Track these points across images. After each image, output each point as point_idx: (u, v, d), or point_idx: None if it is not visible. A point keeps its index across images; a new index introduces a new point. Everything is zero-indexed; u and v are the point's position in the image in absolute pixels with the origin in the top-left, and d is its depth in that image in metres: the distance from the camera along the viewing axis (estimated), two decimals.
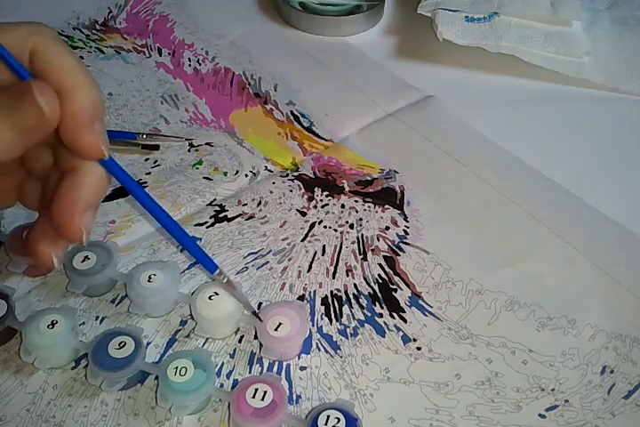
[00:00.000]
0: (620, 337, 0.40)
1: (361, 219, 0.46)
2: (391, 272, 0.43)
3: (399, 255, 0.44)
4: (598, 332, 0.40)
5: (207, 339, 0.40)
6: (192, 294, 0.39)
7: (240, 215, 0.46)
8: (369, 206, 0.47)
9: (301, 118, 0.53)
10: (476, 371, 0.38)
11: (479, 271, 0.43)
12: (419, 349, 0.39)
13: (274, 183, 0.48)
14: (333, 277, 0.43)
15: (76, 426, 0.36)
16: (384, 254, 0.44)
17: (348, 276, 0.43)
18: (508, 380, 0.38)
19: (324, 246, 0.45)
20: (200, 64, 0.58)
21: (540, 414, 0.37)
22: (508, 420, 0.37)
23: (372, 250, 0.44)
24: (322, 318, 0.41)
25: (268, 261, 0.44)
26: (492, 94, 0.56)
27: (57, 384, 0.38)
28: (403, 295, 0.42)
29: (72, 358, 0.39)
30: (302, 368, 0.39)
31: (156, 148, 0.50)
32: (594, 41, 0.58)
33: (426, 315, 0.41)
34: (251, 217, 0.46)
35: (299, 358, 0.39)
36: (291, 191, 0.48)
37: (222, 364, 0.39)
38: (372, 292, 0.42)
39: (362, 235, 0.45)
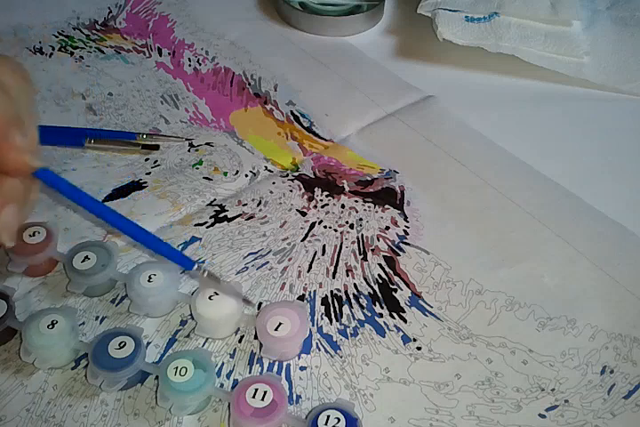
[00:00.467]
0: (620, 337, 0.40)
1: (361, 219, 0.46)
2: (391, 272, 0.43)
3: (399, 255, 0.44)
4: (598, 332, 0.40)
5: (207, 339, 0.40)
6: (192, 294, 0.39)
7: (240, 215, 0.46)
8: (369, 206, 0.47)
9: (301, 118, 0.53)
10: (476, 371, 0.39)
11: (479, 271, 0.43)
12: (419, 349, 0.39)
13: (274, 183, 0.48)
14: (333, 277, 0.43)
15: (76, 426, 0.36)
16: (384, 254, 0.44)
17: (348, 276, 0.43)
18: (508, 380, 0.38)
19: (324, 246, 0.45)
20: (200, 64, 0.58)
21: (540, 414, 0.37)
22: (508, 420, 0.37)
23: (372, 250, 0.44)
24: (322, 318, 0.41)
25: (267, 261, 0.44)
26: (492, 94, 0.56)
27: (57, 384, 0.38)
28: (403, 295, 0.42)
29: (72, 358, 0.39)
30: (302, 368, 0.39)
31: (156, 148, 0.50)
32: (594, 41, 0.58)
33: (426, 315, 0.41)
34: (251, 217, 0.46)
35: (299, 358, 0.39)
36: (291, 191, 0.48)
37: (222, 364, 0.39)
38: (372, 292, 0.42)
39: (362, 235, 0.45)
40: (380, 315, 0.41)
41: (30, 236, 0.41)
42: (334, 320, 0.41)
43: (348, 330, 0.40)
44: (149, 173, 0.49)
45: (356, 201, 0.47)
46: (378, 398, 0.37)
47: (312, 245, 0.45)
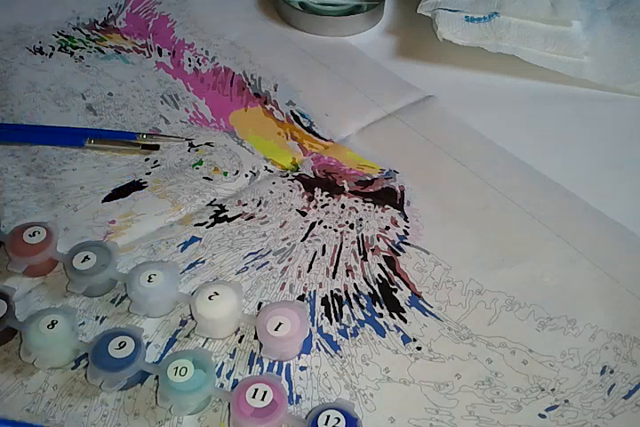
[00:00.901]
0: (620, 337, 0.40)
1: (361, 219, 0.46)
2: (391, 272, 0.43)
3: (399, 255, 0.44)
4: (598, 332, 0.40)
5: (207, 339, 0.40)
6: (192, 294, 0.39)
7: (240, 215, 0.46)
8: (369, 206, 0.47)
9: (301, 118, 0.53)
10: (476, 371, 0.39)
11: (479, 271, 0.43)
12: (419, 349, 0.39)
13: (274, 183, 0.48)
14: (333, 277, 0.43)
15: (76, 426, 0.36)
16: (384, 254, 0.44)
17: (348, 276, 0.43)
18: (508, 380, 0.38)
19: (324, 246, 0.45)
20: (200, 64, 0.58)
21: (540, 414, 0.37)
22: (508, 420, 0.37)
23: (372, 250, 0.44)
24: (322, 318, 0.41)
25: (267, 261, 0.44)
26: (492, 94, 0.56)
27: (57, 384, 0.38)
28: (403, 295, 0.42)
29: (72, 358, 0.39)
30: (302, 368, 0.39)
31: (156, 148, 0.50)
32: (594, 41, 0.58)
33: (426, 315, 0.41)
34: (251, 217, 0.46)
35: (299, 358, 0.39)
36: (291, 191, 0.48)
37: (222, 364, 0.39)
38: (372, 292, 0.42)
39: (362, 235, 0.45)
40: (380, 315, 0.41)
41: (30, 236, 0.41)
42: (334, 320, 0.41)
43: (347, 330, 0.40)
44: (149, 173, 0.49)
45: (356, 201, 0.47)
46: (378, 398, 0.37)
47: (312, 245, 0.45)
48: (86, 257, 0.41)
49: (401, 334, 0.40)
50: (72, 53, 0.58)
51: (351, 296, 0.42)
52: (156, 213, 0.46)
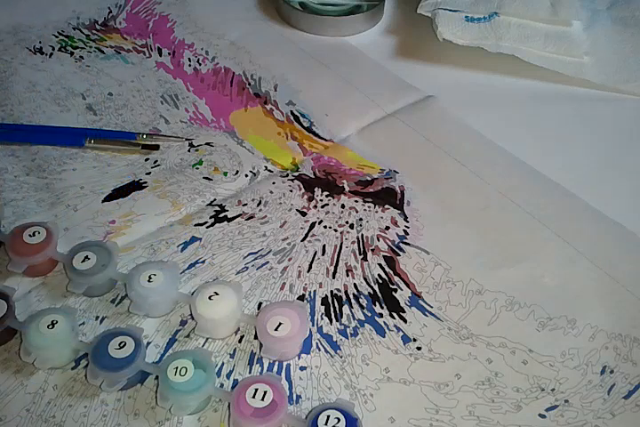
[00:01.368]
0: (620, 337, 0.40)
1: (361, 219, 0.46)
2: (391, 272, 0.43)
3: (399, 255, 0.44)
4: (598, 332, 0.40)
5: (207, 339, 0.40)
6: (192, 294, 0.39)
7: (240, 215, 0.46)
8: (369, 206, 0.47)
9: (301, 118, 0.53)
10: (476, 371, 0.39)
11: (479, 271, 0.43)
12: (419, 349, 0.39)
13: (274, 183, 0.48)
14: (333, 277, 0.43)
15: (76, 426, 0.36)
16: (384, 254, 0.44)
17: (347, 276, 0.43)
18: (508, 380, 0.38)
19: (324, 246, 0.45)
20: (200, 64, 0.58)
21: (540, 414, 0.37)
22: (508, 420, 0.37)
23: (372, 250, 0.44)
24: (322, 318, 0.41)
25: (267, 261, 0.44)
26: (492, 94, 0.56)
27: (57, 384, 0.38)
28: (403, 295, 0.42)
29: (72, 358, 0.39)
30: (302, 368, 0.39)
31: (156, 148, 0.50)
32: (594, 41, 0.58)
33: (426, 315, 0.41)
34: (251, 217, 0.46)
35: (299, 358, 0.39)
36: (291, 191, 0.48)
37: (222, 364, 0.39)
38: (371, 292, 0.42)
39: (362, 235, 0.45)
40: (380, 315, 0.41)
41: (30, 236, 0.41)
42: (334, 320, 0.41)
43: (347, 330, 0.40)
44: (149, 173, 0.49)
45: (356, 201, 0.47)
46: (378, 398, 0.37)
47: (312, 245, 0.45)
48: (86, 257, 0.41)
49: (401, 334, 0.40)
50: (72, 53, 0.58)
51: (351, 296, 0.42)
52: (156, 213, 0.46)
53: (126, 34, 0.61)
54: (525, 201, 0.47)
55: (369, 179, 0.49)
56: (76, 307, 0.41)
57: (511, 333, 0.40)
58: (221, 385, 0.38)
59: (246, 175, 0.49)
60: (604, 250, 0.44)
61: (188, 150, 0.51)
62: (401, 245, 0.45)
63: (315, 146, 0.51)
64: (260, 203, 0.47)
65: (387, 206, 0.47)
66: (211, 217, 0.46)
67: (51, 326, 0.37)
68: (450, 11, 0.58)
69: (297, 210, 0.47)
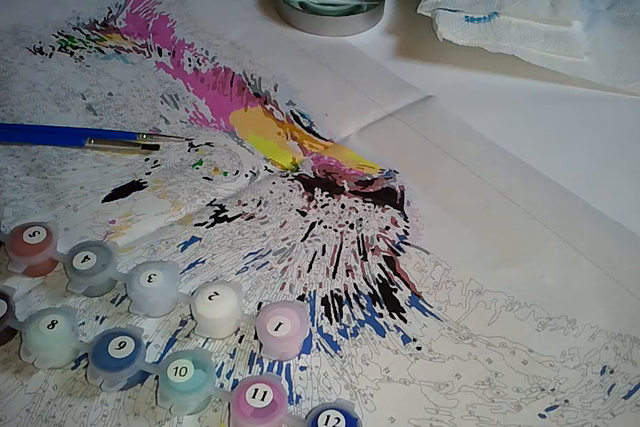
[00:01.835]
0: (620, 337, 0.40)
1: (361, 219, 0.46)
2: (391, 272, 0.43)
3: (399, 255, 0.44)
4: (598, 332, 0.40)
5: (207, 339, 0.40)
6: (192, 294, 0.39)
7: (240, 215, 0.46)
8: (369, 206, 0.47)
9: (301, 118, 0.53)
10: (476, 371, 0.38)
11: (479, 271, 0.43)
12: (419, 349, 0.39)
13: (274, 183, 0.48)
14: (333, 277, 0.43)
15: (76, 426, 0.36)
16: (384, 254, 0.44)
17: (347, 276, 0.43)
18: (508, 380, 0.38)
19: (324, 246, 0.45)
20: (200, 64, 0.58)
21: (540, 414, 0.37)
22: (508, 420, 0.37)
23: (372, 250, 0.44)
24: (322, 318, 0.41)
25: (267, 261, 0.44)
26: (492, 94, 0.56)
27: (57, 384, 0.38)
28: (403, 295, 0.42)
29: (72, 358, 0.39)
30: (302, 368, 0.39)
31: (156, 148, 0.50)
32: (594, 41, 0.58)
33: (426, 315, 0.41)
34: (251, 217, 0.46)
35: (299, 358, 0.39)
36: (291, 191, 0.48)
37: (222, 364, 0.39)
38: (372, 292, 0.42)
39: (362, 235, 0.45)
40: (380, 315, 0.41)
41: (30, 236, 0.41)
42: (334, 320, 0.41)
43: (347, 330, 0.40)
44: (149, 173, 0.49)
45: (356, 201, 0.47)
46: (378, 398, 0.37)
47: (312, 245, 0.45)
48: (86, 257, 0.41)
49: (401, 334, 0.40)
50: (72, 53, 0.58)
51: (351, 296, 0.42)
52: (155, 213, 0.46)
53: (126, 34, 0.61)
54: (525, 201, 0.47)
55: (369, 179, 0.49)
56: (76, 307, 0.41)
57: (511, 333, 0.40)
58: (221, 385, 0.38)
59: (246, 175, 0.49)
60: (604, 250, 0.44)
61: (188, 150, 0.51)
62: (401, 245, 0.45)
63: (315, 146, 0.51)
64: (259, 203, 0.47)
65: (387, 206, 0.47)
66: (211, 217, 0.46)
67: (51, 326, 0.37)
68: (450, 11, 0.58)
69: (297, 210, 0.47)
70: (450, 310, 0.41)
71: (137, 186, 0.48)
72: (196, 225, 0.46)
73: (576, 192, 0.47)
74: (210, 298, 0.38)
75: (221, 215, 0.46)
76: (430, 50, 0.59)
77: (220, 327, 0.39)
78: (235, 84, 0.56)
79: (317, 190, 0.48)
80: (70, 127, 0.52)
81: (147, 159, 0.50)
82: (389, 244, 0.45)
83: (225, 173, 0.49)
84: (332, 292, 0.42)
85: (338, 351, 0.39)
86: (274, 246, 0.45)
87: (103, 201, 0.47)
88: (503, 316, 0.41)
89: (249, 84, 0.56)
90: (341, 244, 0.45)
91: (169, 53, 0.59)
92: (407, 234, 0.45)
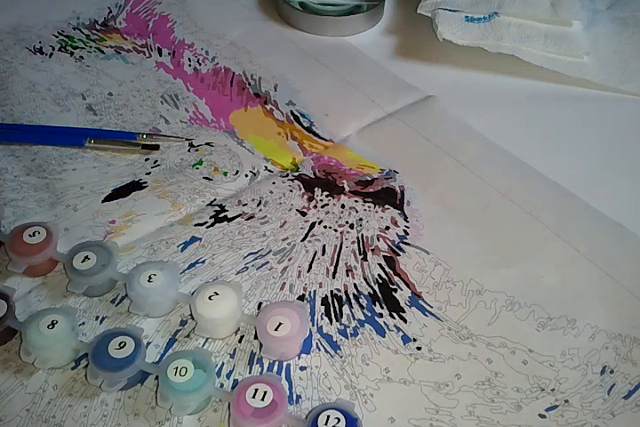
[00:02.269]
0: (620, 337, 0.40)
1: (361, 219, 0.46)
2: (391, 272, 0.43)
3: (399, 255, 0.44)
4: (598, 332, 0.40)
5: (207, 339, 0.40)
6: (192, 294, 0.39)
7: (240, 215, 0.46)
8: (369, 206, 0.47)
9: (301, 118, 0.53)
10: (476, 371, 0.38)
11: (479, 271, 0.43)
12: (419, 349, 0.39)
13: (274, 183, 0.48)
14: (333, 277, 0.43)
15: (76, 426, 0.36)
16: (384, 254, 0.44)
17: (347, 276, 0.43)
18: (508, 380, 0.38)
19: (324, 246, 0.45)
20: (200, 64, 0.58)
21: (540, 414, 0.37)
22: (508, 420, 0.37)
23: (372, 250, 0.44)
24: (322, 318, 0.41)
25: (267, 262, 0.44)
26: (492, 94, 0.56)
27: (57, 384, 0.38)
28: (403, 295, 0.42)
29: (72, 358, 0.39)
30: (302, 368, 0.39)
31: (156, 148, 0.50)
32: (594, 41, 0.58)
33: (426, 315, 0.41)
34: (251, 217, 0.46)
35: (299, 358, 0.39)
36: (291, 191, 0.48)
37: (222, 364, 0.39)
38: (372, 292, 0.42)
39: (362, 235, 0.45)
40: (380, 315, 0.41)
41: (30, 236, 0.41)
42: (334, 320, 0.41)
43: (347, 330, 0.40)
44: (149, 173, 0.49)
45: (356, 201, 0.47)
46: (378, 398, 0.37)
47: (312, 245, 0.45)
48: (86, 257, 0.41)
49: (401, 334, 0.40)
50: (72, 53, 0.58)
51: (351, 296, 0.42)
52: (155, 213, 0.46)
53: (126, 34, 0.61)
54: (525, 201, 0.47)
55: (369, 179, 0.49)
56: (76, 307, 0.41)
57: (511, 333, 0.40)
58: (221, 385, 0.38)
59: (246, 175, 0.49)
60: (604, 250, 0.44)
61: (188, 150, 0.51)
62: (401, 245, 0.45)
63: (315, 146, 0.51)
64: (259, 203, 0.47)
65: (387, 206, 0.47)
66: (211, 217, 0.46)
67: (51, 326, 0.37)
68: (450, 11, 0.58)
69: (297, 210, 0.47)
70: (450, 310, 0.41)
71: (137, 186, 0.48)
72: (196, 225, 0.46)
73: (576, 192, 0.47)
74: (210, 298, 0.38)
75: (221, 215, 0.46)
76: (430, 50, 0.59)
77: (220, 327, 0.39)
78: (235, 84, 0.56)
79: (317, 190, 0.48)
80: (70, 127, 0.52)
81: (147, 159, 0.50)
82: (389, 244, 0.45)
83: (225, 173, 0.49)
84: (332, 292, 0.42)
85: (338, 351, 0.39)
86: (274, 246, 0.45)
87: (103, 201, 0.47)
88: (503, 316, 0.41)
89: (249, 84, 0.56)
90: (341, 244, 0.45)
91: (169, 53, 0.59)
92: (407, 234, 0.45)
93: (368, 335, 0.40)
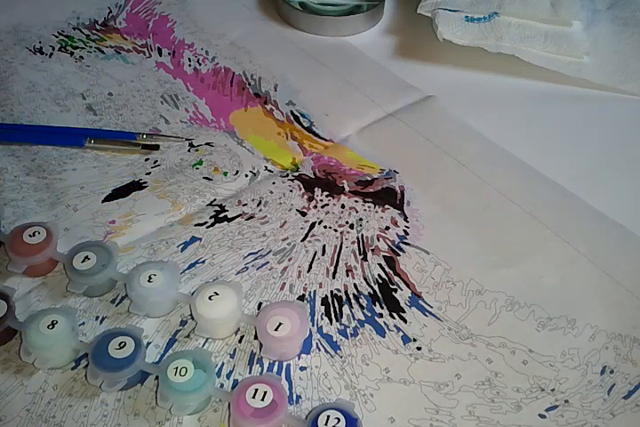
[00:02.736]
0: (620, 337, 0.40)
1: (361, 219, 0.46)
2: (391, 272, 0.43)
3: (399, 255, 0.44)
4: (598, 332, 0.40)
5: (207, 339, 0.40)
6: (192, 294, 0.39)
7: (240, 215, 0.46)
8: (369, 206, 0.47)
9: (301, 118, 0.53)
10: (476, 371, 0.39)
11: (479, 271, 0.43)
12: (419, 349, 0.39)
13: (274, 183, 0.48)
14: (333, 278, 0.43)
15: (76, 426, 0.36)
16: (384, 254, 0.44)
17: (347, 276, 0.43)
18: (508, 380, 0.38)
19: (324, 246, 0.45)
20: (200, 64, 0.58)
21: (540, 415, 0.37)
22: (508, 420, 0.37)
23: (372, 250, 0.44)
24: (322, 318, 0.41)
25: (268, 262, 0.44)
26: (492, 94, 0.56)
27: (57, 384, 0.38)
28: (403, 295, 0.42)
29: (72, 358, 0.39)
30: (302, 368, 0.39)
31: (156, 148, 0.50)
32: (594, 41, 0.58)
33: (426, 315, 0.41)
34: (251, 217, 0.46)
35: (299, 358, 0.39)
36: (291, 191, 0.48)
37: (222, 364, 0.39)
38: (372, 292, 0.42)
39: (362, 235, 0.45)
40: (380, 315, 0.41)
41: (30, 236, 0.41)
42: (334, 320, 0.41)
43: (347, 330, 0.40)
44: (149, 173, 0.49)
45: (356, 201, 0.47)
46: (378, 398, 0.37)
47: (312, 245, 0.45)
48: (86, 257, 0.41)
49: (401, 334, 0.40)
50: (72, 53, 0.58)
51: (351, 296, 0.42)
52: (155, 213, 0.46)
53: (126, 34, 0.61)
54: (525, 201, 0.47)
55: (369, 179, 0.49)
56: (76, 307, 0.41)
57: (511, 333, 0.40)
58: (221, 385, 0.38)
59: (246, 175, 0.49)
60: (604, 250, 0.44)
61: (188, 150, 0.51)
62: (401, 245, 0.45)
63: (315, 146, 0.51)
64: (259, 203, 0.47)
65: (387, 206, 0.47)
66: (211, 217, 0.46)
67: (51, 326, 0.37)
68: (450, 11, 0.58)
69: (297, 210, 0.47)
70: (450, 310, 0.41)
71: (137, 186, 0.48)
72: (196, 225, 0.46)
73: (576, 192, 0.47)
74: (210, 298, 0.38)
75: (221, 215, 0.46)
76: (430, 50, 0.59)
77: (220, 327, 0.39)
78: (235, 84, 0.56)
79: (317, 190, 0.48)
80: (70, 127, 0.52)
81: (147, 159, 0.50)
82: (389, 244, 0.45)
83: (225, 173, 0.49)
84: (331, 292, 0.42)
85: (338, 351, 0.39)
86: (274, 246, 0.45)
87: (103, 201, 0.47)
88: (503, 316, 0.41)
89: (249, 84, 0.56)
90: (341, 244, 0.45)
91: (169, 53, 0.59)
92: (407, 234, 0.45)
93: (368, 335, 0.40)
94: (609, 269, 0.43)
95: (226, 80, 0.57)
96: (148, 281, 0.39)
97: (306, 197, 0.48)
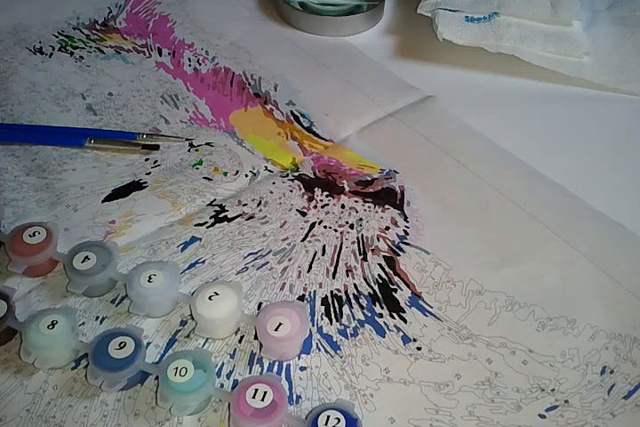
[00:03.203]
0: (620, 337, 0.40)
1: (361, 219, 0.46)
2: (391, 272, 0.43)
3: (399, 255, 0.44)
4: (598, 332, 0.40)
5: (207, 339, 0.40)
6: (192, 294, 0.39)
7: (240, 215, 0.46)
8: (369, 206, 0.47)
9: (301, 118, 0.53)
10: (476, 371, 0.39)
11: (479, 271, 0.43)
12: (419, 349, 0.39)
13: (274, 183, 0.48)
14: (333, 278, 0.43)
15: (76, 426, 0.36)
16: (384, 255, 0.44)
17: (347, 276, 0.43)
18: (508, 380, 0.38)
19: (324, 246, 0.45)
20: (200, 64, 0.58)
21: (540, 415, 0.37)
22: (508, 420, 0.37)
23: (372, 250, 0.44)
24: (322, 319, 0.41)
25: (268, 262, 0.44)
26: (492, 94, 0.56)
27: (57, 384, 0.38)
28: (403, 295, 0.42)
29: (72, 358, 0.39)
30: (302, 368, 0.39)
31: (156, 148, 0.50)
32: (594, 41, 0.58)
33: (426, 315, 0.41)
34: (251, 217, 0.46)
35: (299, 359, 0.39)
36: (291, 191, 0.48)
37: (222, 364, 0.39)
38: (372, 292, 0.42)
39: (362, 235, 0.45)
40: (380, 315, 0.41)
41: (30, 236, 0.41)
42: (334, 320, 0.41)
43: (347, 330, 0.40)
44: (149, 173, 0.49)
45: (356, 201, 0.47)
46: (378, 398, 0.38)
47: (312, 245, 0.45)
48: (86, 257, 0.41)
49: (401, 334, 0.40)
50: (72, 53, 0.58)
51: (351, 296, 0.42)
52: (155, 213, 0.46)
53: (126, 34, 0.61)
54: (525, 201, 0.47)
55: (369, 179, 0.49)
56: (76, 307, 0.41)
57: (511, 333, 0.40)
58: (221, 385, 0.38)
59: (246, 175, 0.49)
60: (604, 250, 0.44)
61: (188, 150, 0.51)
62: (401, 245, 0.45)
63: (315, 146, 0.51)
64: (260, 203, 0.47)
65: (387, 206, 0.47)
66: (211, 217, 0.46)
67: (51, 327, 0.37)
68: (450, 11, 0.58)
69: (297, 210, 0.47)
70: (450, 311, 0.41)
71: (137, 186, 0.48)
72: (196, 225, 0.46)
73: (576, 192, 0.47)
74: (210, 298, 0.38)
75: (221, 215, 0.46)
76: (430, 50, 0.59)
77: (220, 327, 0.39)
78: (235, 84, 0.56)
79: (317, 190, 0.48)
80: (70, 127, 0.52)
81: (147, 159, 0.50)
82: (389, 244, 0.45)
83: (225, 173, 0.49)
84: (331, 292, 0.42)
85: (338, 352, 0.39)
86: (274, 246, 0.45)
87: (103, 201, 0.47)
88: (503, 316, 0.41)
89: (249, 84, 0.56)
90: (341, 244, 0.45)
91: (169, 53, 0.59)
92: (407, 234, 0.45)
93: (368, 335, 0.40)
94: (609, 269, 0.43)
95: (226, 80, 0.57)
96: (148, 281, 0.39)
97: (306, 197, 0.48)
